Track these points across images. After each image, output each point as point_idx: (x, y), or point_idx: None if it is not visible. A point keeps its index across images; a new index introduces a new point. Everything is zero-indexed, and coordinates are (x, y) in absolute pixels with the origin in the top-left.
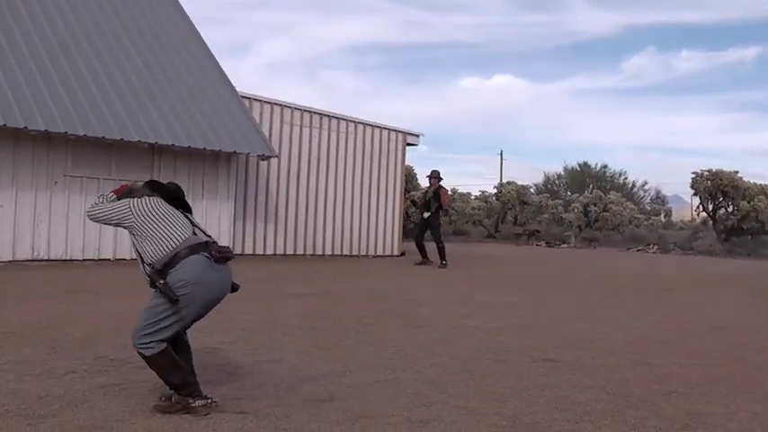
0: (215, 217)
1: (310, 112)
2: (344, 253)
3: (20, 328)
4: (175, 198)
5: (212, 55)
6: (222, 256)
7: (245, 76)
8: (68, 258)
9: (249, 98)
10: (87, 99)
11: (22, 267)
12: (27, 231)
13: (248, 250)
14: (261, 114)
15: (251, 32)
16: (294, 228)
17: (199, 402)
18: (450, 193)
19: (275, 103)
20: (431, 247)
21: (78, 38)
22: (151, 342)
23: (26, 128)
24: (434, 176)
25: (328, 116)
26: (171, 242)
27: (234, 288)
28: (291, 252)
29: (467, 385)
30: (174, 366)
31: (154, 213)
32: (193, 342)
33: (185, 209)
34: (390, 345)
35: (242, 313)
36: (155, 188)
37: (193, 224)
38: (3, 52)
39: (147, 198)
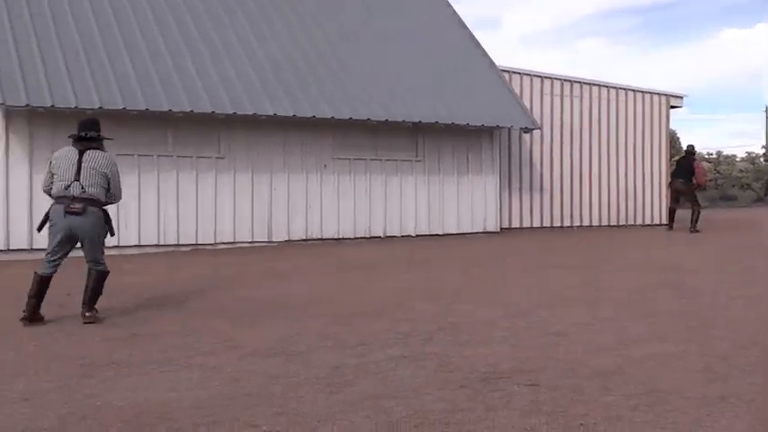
0: (480, 191)
1: (570, 81)
2: (611, 223)
3: (306, 303)
4: (78, 139)
5: (469, 30)
6: (69, 210)
7: (496, 50)
8: (340, 237)
9: (508, 71)
10: (351, 82)
11: (297, 246)
12: (300, 213)
13: (515, 223)
14: (521, 87)
15: (500, 4)
16: (560, 199)
17: None
18: (707, 165)
19: (534, 75)
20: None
21: (340, 23)
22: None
23: (294, 116)
24: (688, 152)
25: (588, 84)
26: (55, 188)
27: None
28: (558, 224)
29: (759, 360)
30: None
31: (56, 163)
32: (473, 316)
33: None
34: (669, 316)
35: (518, 286)
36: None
37: (79, 171)
38: (267, 46)
39: (61, 149)
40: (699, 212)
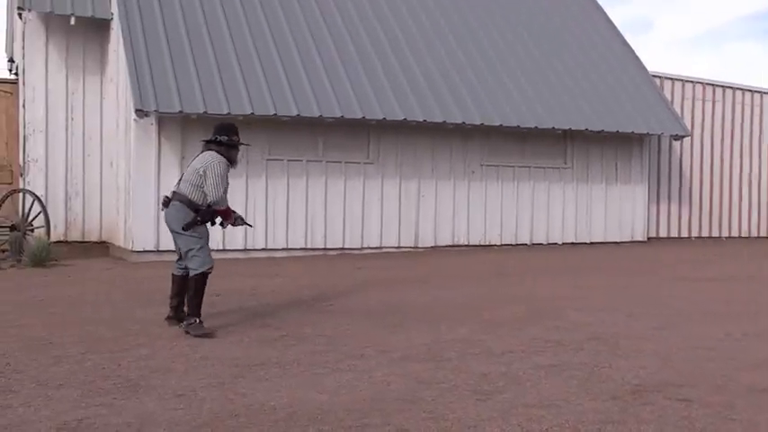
0: (629, 200)
1: (723, 86)
2: (762, 234)
3: (452, 309)
4: (207, 142)
5: (620, 34)
6: (163, 201)
7: (646, 54)
8: (487, 244)
9: (659, 76)
10: (501, 89)
11: (443, 252)
12: (447, 219)
13: (662, 233)
14: (672, 92)
15: (651, 8)
16: (709, 209)
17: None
18: None
19: (686, 80)
20: None
21: (488, 28)
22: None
23: (444, 122)
24: None
25: (741, 89)
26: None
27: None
28: (707, 234)
29: None
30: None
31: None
32: (622, 327)
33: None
34: None
35: (668, 297)
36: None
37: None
38: (418, 51)
39: None
40: None
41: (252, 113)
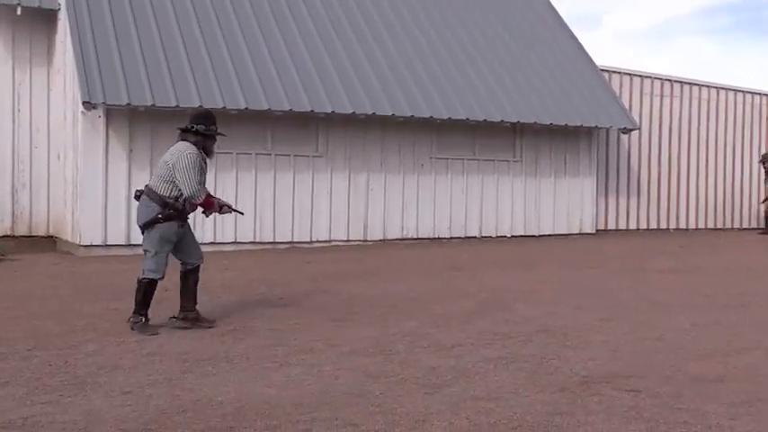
0: (578, 193)
1: (670, 80)
2: (709, 226)
3: (401, 302)
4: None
5: (569, 29)
6: (135, 195)
7: (595, 48)
8: (436, 237)
9: (607, 70)
10: (450, 82)
11: (393, 246)
12: (396, 212)
13: (611, 225)
14: (620, 86)
15: (602, 3)
16: (657, 202)
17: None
18: None
19: (634, 74)
20: None
21: (437, 22)
22: None
23: (393, 115)
24: (762, 160)
25: (688, 83)
26: None
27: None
28: (654, 226)
29: None
30: None
31: None
32: (571, 319)
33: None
34: None
35: (615, 289)
36: None
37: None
38: (367, 44)
39: None
40: None
41: (200, 106)
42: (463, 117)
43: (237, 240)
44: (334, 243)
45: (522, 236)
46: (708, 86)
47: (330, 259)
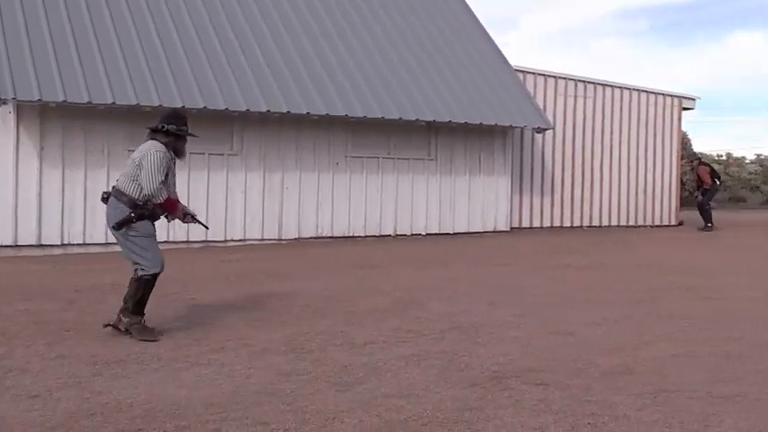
0: (492, 191)
1: (584, 81)
2: (621, 224)
3: (315, 301)
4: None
5: (484, 30)
6: (102, 197)
7: (511, 49)
8: (350, 235)
9: (522, 71)
10: (365, 81)
11: (308, 244)
12: (311, 211)
13: (525, 223)
14: (534, 87)
15: (517, 4)
16: (570, 200)
17: None
18: (715, 165)
19: (548, 75)
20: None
21: (353, 21)
22: None
23: (308, 113)
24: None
25: (601, 84)
26: None
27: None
28: (568, 224)
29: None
30: None
31: None
32: (484, 316)
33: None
34: (680, 317)
35: (528, 286)
36: None
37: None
38: (283, 43)
39: None
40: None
41: (113, 103)
42: (378, 116)
43: None
44: (248, 242)
45: (437, 234)
46: (621, 87)
47: (244, 258)
